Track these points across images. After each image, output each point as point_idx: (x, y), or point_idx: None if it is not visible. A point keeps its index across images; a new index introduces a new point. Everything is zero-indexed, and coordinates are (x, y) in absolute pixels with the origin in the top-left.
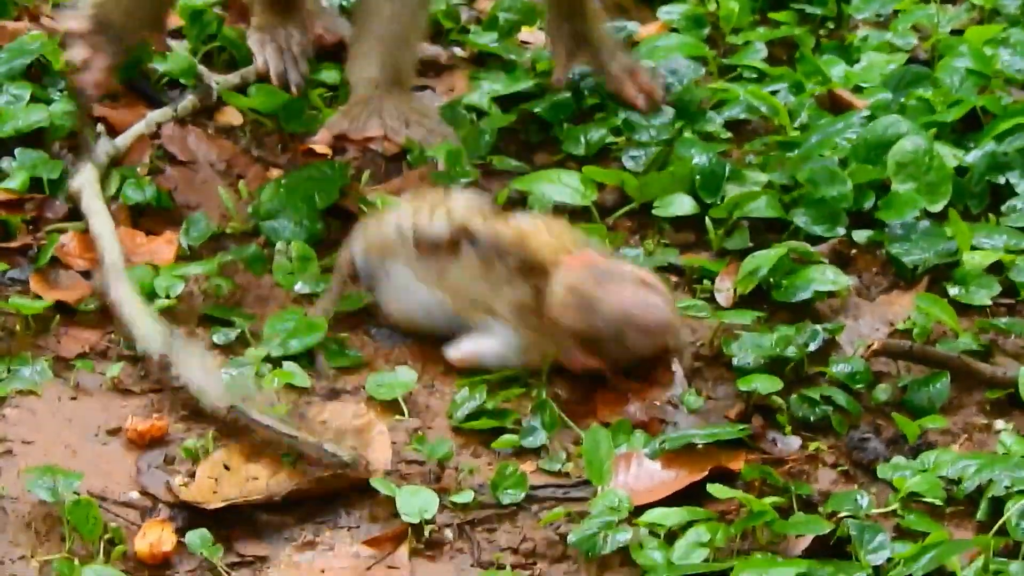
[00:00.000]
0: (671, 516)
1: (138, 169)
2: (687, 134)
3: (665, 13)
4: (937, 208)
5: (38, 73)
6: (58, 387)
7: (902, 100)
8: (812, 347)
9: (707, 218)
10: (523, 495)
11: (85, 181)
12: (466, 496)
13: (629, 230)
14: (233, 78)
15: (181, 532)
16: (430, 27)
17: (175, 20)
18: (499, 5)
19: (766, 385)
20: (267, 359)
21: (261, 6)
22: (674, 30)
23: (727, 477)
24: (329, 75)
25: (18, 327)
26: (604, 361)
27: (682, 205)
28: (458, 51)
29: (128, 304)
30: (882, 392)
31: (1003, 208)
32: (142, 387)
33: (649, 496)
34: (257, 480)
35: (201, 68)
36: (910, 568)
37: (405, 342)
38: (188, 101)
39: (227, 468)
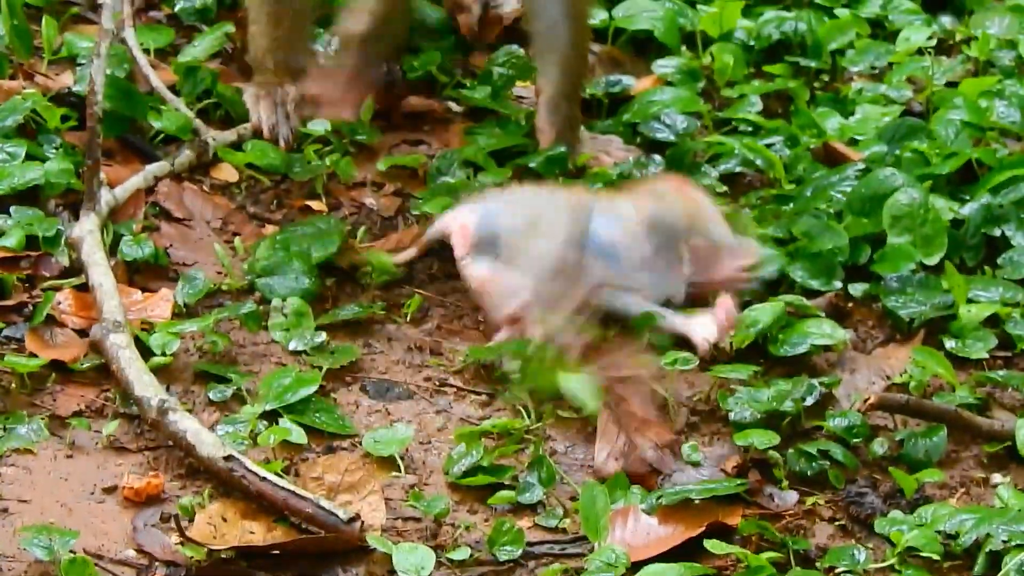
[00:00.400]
0: (668, 572)
1: (134, 226)
2: None
3: (660, 67)
4: (933, 261)
5: (32, 131)
6: (54, 445)
7: (897, 152)
8: (809, 401)
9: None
10: (520, 551)
11: (87, 231)
12: (463, 553)
13: None
14: (229, 135)
15: None
16: (424, 82)
17: (170, 77)
18: (493, 60)
19: (763, 439)
20: (263, 415)
21: (266, 65)
22: (669, 83)
23: (724, 532)
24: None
25: (13, 385)
26: None
27: None
28: (453, 106)
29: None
30: (879, 446)
31: (999, 260)
32: (138, 445)
33: (646, 552)
34: (253, 535)
35: (197, 123)
36: None
37: (401, 397)
38: (185, 156)
39: (224, 520)
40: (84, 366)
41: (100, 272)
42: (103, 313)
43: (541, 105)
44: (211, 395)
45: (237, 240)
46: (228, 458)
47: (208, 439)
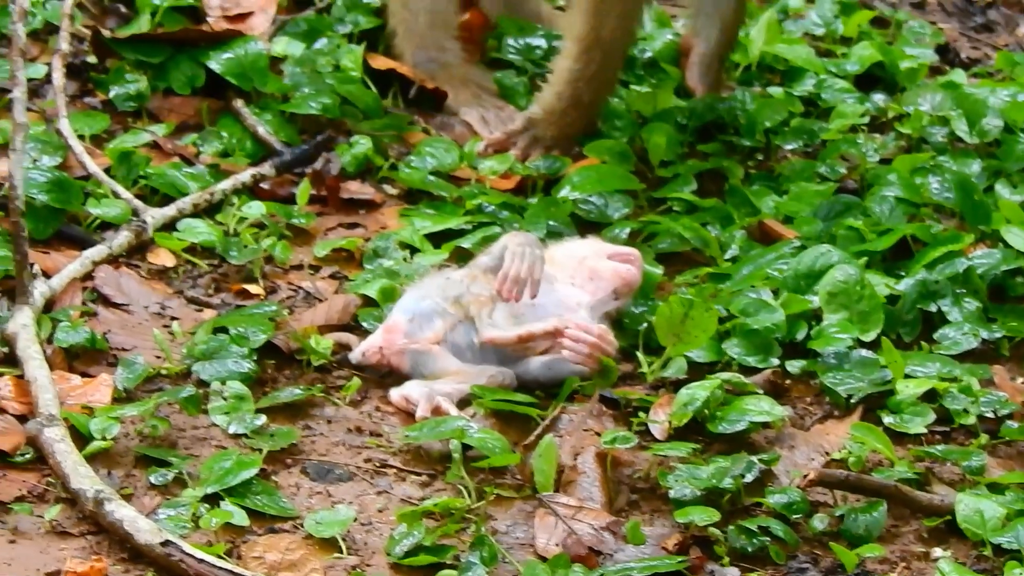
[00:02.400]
0: None
1: (72, 312)
2: None
3: (590, 150)
4: (870, 337)
5: None
6: None
7: (832, 230)
8: (748, 478)
9: (639, 352)
10: None
11: (21, 325)
12: None
13: None
14: (169, 210)
15: None
16: (360, 165)
17: (104, 160)
18: (426, 141)
19: (703, 517)
20: (205, 498)
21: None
22: (603, 163)
23: None
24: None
25: None
26: None
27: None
28: (389, 188)
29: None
30: (819, 521)
31: (935, 336)
32: (80, 529)
33: None
34: None
35: (136, 203)
36: None
37: (341, 478)
38: (123, 237)
39: None
40: (24, 457)
41: (35, 366)
42: (38, 406)
43: (694, 62)
44: (152, 479)
45: (175, 324)
46: (166, 543)
47: (145, 526)
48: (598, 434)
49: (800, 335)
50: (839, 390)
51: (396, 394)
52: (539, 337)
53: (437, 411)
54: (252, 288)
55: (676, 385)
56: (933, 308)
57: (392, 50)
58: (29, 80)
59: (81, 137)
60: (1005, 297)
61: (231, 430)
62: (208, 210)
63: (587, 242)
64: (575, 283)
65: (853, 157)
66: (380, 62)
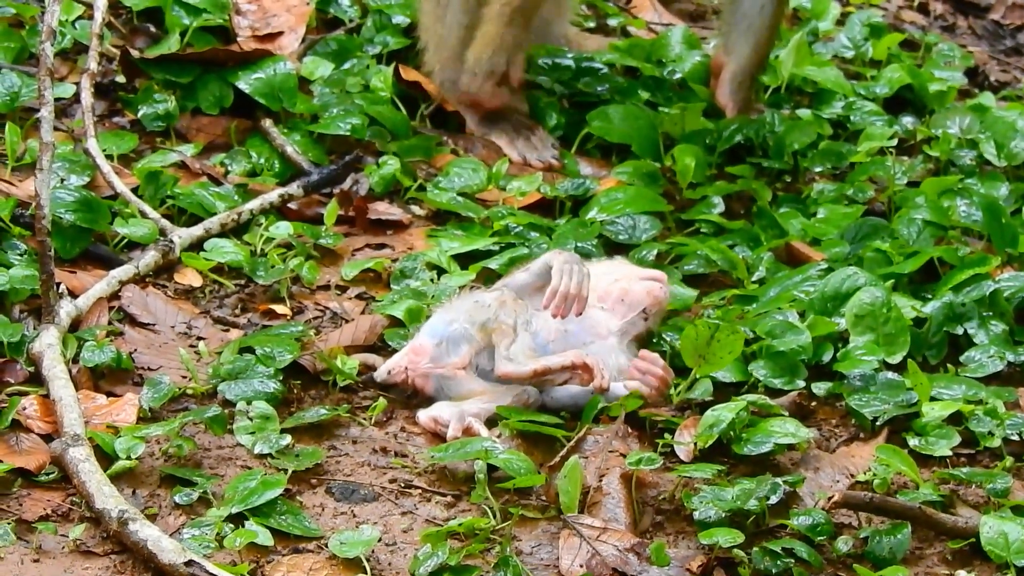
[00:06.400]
0: None
1: (98, 332)
2: None
3: (618, 173)
4: (896, 359)
5: None
6: (20, 550)
7: (859, 252)
8: (773, 500)
9: None
10: None
11: (47, 345)
12: None
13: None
14: (196, 230)
15: None
16: (388, 185)
17: (132, 180)
18: (454, 162)
19: (728, 538)
20: (229, 518)
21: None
22: (631, 184)
23: None
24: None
25: None
26: None
27: None
28: (416, 209)
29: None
30: (843, 544)
31: (961, 359)
32: (104, 549)
33: None
34: None
35: (163, 222)
36: None
37: (366, 498)
38: (150, 257)
39: None
40: (49, 476)
41: (60, 385)
42: (63, 426)
43: (725, 80)
44: (177, 499)
45: (202, 344)
46: (189, 563)
47: (169, 546)
48: (623, 455)
49: (826, 357)
50: (864, 412)
51: (424, 416)
52: (556, 371)
53: (468, 431)
54: (279, 308)
55: (702, 407)
56: (959, 331)
57: (422, 66)
58: (57, 99)
59: (109, 157)
60: None
61: (256, 450)
62: (235, 230)
63: (615, 263)
64: (605, 306)
65: (881, 180)
66: (411, 75)
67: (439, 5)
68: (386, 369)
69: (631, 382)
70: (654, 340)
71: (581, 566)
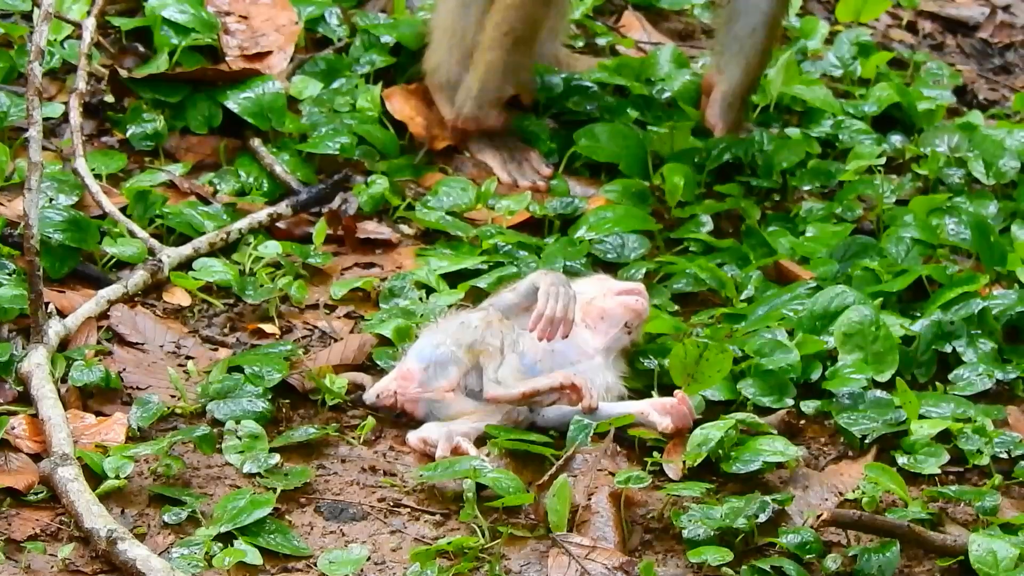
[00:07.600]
0: None
1: (87, 351)
2: None
3: (607, 191)
4: (884, 378)
5: None
6: (9, 569)
7: (848, 270)
8: (762, 518)
9: (653, 392)
10: None
11: (35, 364)
12: None
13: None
14: (185, 249)
15: None
16: (376, 204)
17: (121, 200)
18: (442, 182)
19: (716, 557)
20: (218, 537)
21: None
22: (620, 203)
23: None
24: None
25: None
26: None
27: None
28: (405, 228)
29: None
30: (832, 562)
31: (950, 377)
32: (93, 568)
33: None
34: None
35: (152, 242)
36: None
37: (355, 517)
38: (139, 276)
39: None
40: (38, 496)
41: (49, 405)
42: (52, 446)
43: (715, 100)
44: (166, 518)
45: (190, 363)
46: None
47: (158, 565)
48: (612, 474)
49: (815, 375)
50: (853, 430)
51: (414, 437)
52: (544, 393)
53: (456, 451)
54: (267, 327)
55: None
56: (948, 349)
57: (424, 63)
58: (46, 119)
59: (98, 176)
60: (1020, 338)
61: (245, 469)
62: (224, 249)
63: (592, 280)
64: (587, 324)
65: (870, 198)
66: (397, 107)
67: (462, 4)
68: (375, 393)
69: (661, 418)
70: (640, 360)
71: None
